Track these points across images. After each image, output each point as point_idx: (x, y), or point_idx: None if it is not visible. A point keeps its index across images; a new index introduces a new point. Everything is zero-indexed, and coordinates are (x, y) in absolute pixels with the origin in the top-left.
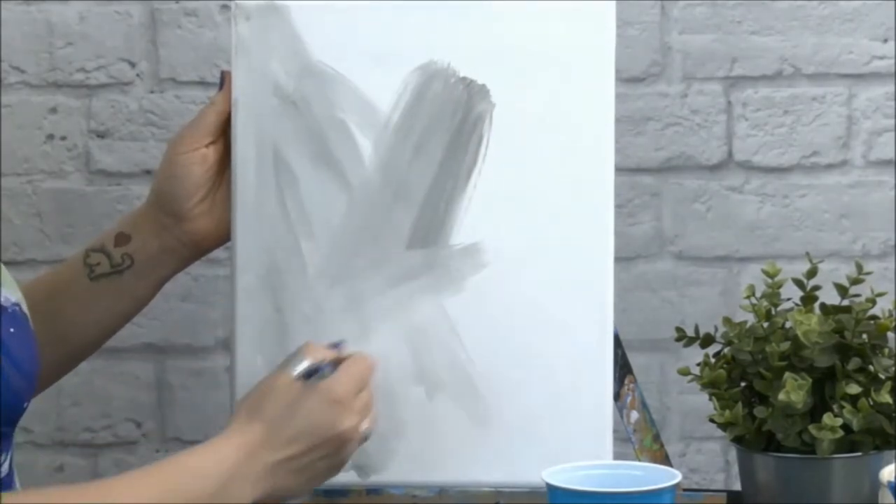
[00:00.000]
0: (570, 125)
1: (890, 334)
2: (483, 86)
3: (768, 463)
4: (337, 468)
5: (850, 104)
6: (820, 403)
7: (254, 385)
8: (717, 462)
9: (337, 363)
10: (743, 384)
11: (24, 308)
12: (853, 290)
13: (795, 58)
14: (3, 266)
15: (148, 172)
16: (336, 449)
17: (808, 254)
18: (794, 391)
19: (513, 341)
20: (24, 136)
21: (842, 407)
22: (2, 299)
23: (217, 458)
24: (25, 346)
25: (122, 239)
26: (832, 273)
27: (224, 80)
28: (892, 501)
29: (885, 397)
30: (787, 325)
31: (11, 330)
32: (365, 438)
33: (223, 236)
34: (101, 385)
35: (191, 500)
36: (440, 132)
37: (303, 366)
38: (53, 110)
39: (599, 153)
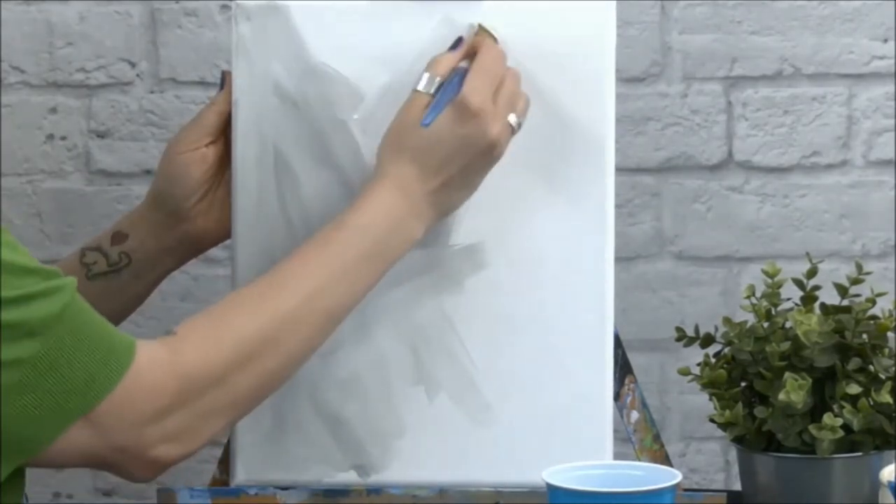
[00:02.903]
0: (570, 125)
1: (890, 334)
2: None
3: (768, 463)
4: (493, 165)
5: (850, 104)
6: (820, 403)
7: (394, 119)
8: (717, 462)
9: (468, 58)
10: (743, 384)
11: None
12: (853, 290)
13: (795, 58)
14: None
15: (148, 172)
16: (488, 156)
17: (808, 254)
18: (794, 391)
19: (513, 341)
20: (24, 136)
21: (842, 407)
22: None
23: (379, 208)
24: None
25: (118, 238)
26: (832, 273)
27: (224, 80)
28: (892, 501)
29: (886, 397)
30: (788, 325)
31: None
32: (516, 128)
33: (222, 235)
34: None
35: (366, 256)
36: None
37: (435, 83)
38: (53, 110)
39: (599, 153)
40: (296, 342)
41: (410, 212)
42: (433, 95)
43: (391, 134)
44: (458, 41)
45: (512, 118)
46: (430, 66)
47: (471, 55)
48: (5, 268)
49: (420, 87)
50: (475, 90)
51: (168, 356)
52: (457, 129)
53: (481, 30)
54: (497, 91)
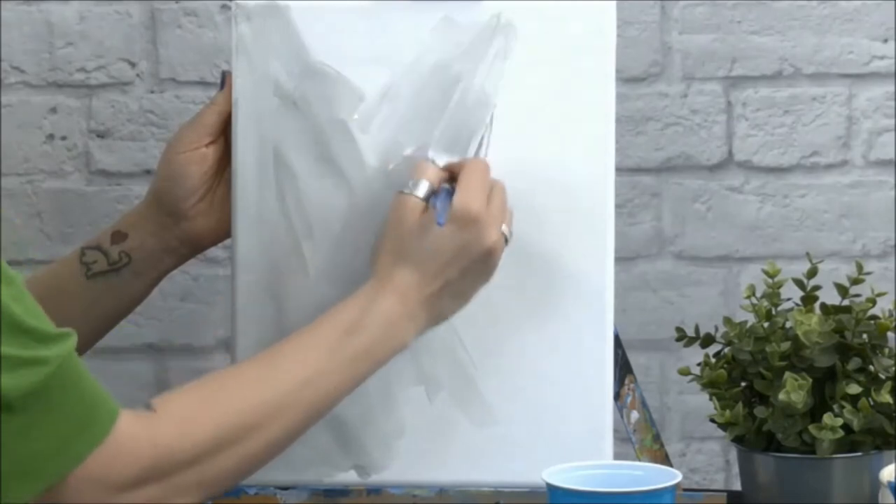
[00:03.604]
0: (570, 125)
1: (890, 334)
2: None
3: (768, 463)
4: (488, 278)
5: (850, 104)
6: (820, 403)
7: (386, 224)
8: (717, 462)
9: (451, 178)
10: (743, 384)
11: None
12: (853, 290)
13: (795, 58)
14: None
15: (148, 172)
16: (485, 265)
17: (808, 254)
18: (794, 391)
19: (513, 341)
20: (24, 136)
21: (842, 407)
22: None
23: (376, 311)
24: None
25: (118, 237)
26: (832, 273)
27: (224, 80)
28: (892, 501)
29: (886, 397)
30: (788, 325)
31: None
32: (507, 240)
33: (221, 235)
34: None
35: (356, 355)
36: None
37: (423, 187)
38: (53, 110)
39: (599, 153)
40: (277, 430)
41: (406, 318)
42: (423, 200)
43: (389, 238)
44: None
45: (504, 227)
46: (417, 172)
47: (454, 172)
48: (4, 320)
49: (406, 190)
50: (472, 197)
51: (145, 432)
52: (457, 235)
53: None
54: (489, 199)
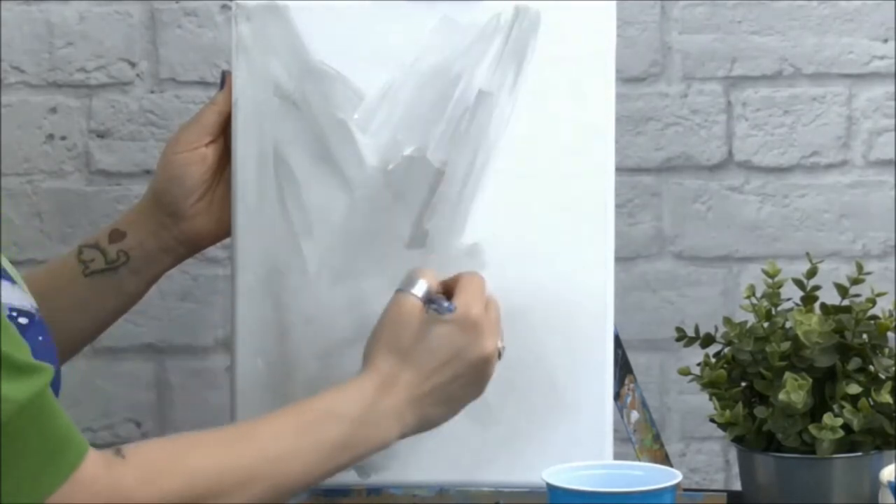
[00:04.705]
0: (570, 125)
1: (890, 334)
2: (482, 87)
3: (768, 463)
4: (480, 391)
5: (850, 104)
6: (820, 403)
7: (382, 318)
8: (717, 462)
9: (447, 287)
10: (743, 384)
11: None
12: (853, 290)
13: (795, 58)
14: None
15: (148, 172)
16: (479, 372)
17: (808, 254)
18: (794, 391)
19: (513, 341)
20: (24, 136)
21: (842, 407)
22: (29, 306)
23: (359, 397)
24: (49, 354)
25: (116, 235)
26: (832, 273)
27: (224, 80)
28: (892, 501)
29: (886, 397)
30: (788, 325)
31: (40, 338)
32: (500, 356)
33: (220, 235)
34: (100, 385)
35: (335, 442)
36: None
37: (422, 288)
38: (53, 110)
39: (599, 153)
40: (241, 500)
41: (393, 414)
42: (422, 301)
43: (385, 336)
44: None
45: (499, 342)
46: (416, 273)
47: (448, 285)
48: None
49: (404, 287)
50: (471, 303)
51: (108, 476)
52: (455, 337)
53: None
54: (486, 310)
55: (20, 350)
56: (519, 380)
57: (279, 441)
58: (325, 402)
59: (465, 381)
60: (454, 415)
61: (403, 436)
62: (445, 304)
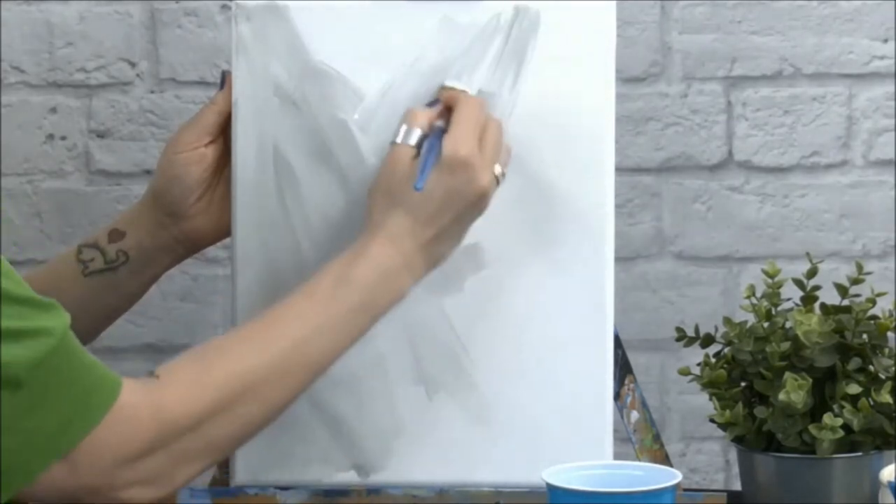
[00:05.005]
0: (570, 125)
1: (890, 334)
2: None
3: (768, 463)
4: (479, 215)
5: (850, 104)
6: (820, 403)
7: (378, 173)
8: (717, 462)
9: (446, 115)
10: (743, 384)
11: None
12: (853, 290)
13: (795, 58)
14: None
15: (148, 172)
16: (479, 204)
17: (808, 254)
18: (794, 391)
19: (512, 341)
20: (24, 136)
21: (842, 407)
22: None
23: (370, 262)
24: None
25: (115, 235)
26: (832, 273)
27: (224, 80)
28: (892, 501)
29: (886, 397)
30: (788, 325)
31: None
32: (501, 179)
33: (220, 235)
34: None
35: (353, 308)
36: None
37: (415, 135)
38: (53, 110)
39: (599, 153)
40: (278, 391)
41: (402, 266)
42: (415, 147)
43: (380, 188)
44: (435, 101)
45: (497, 168)
46: (406, 119)
47: (447, 112)
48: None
49: (399, 140)
50: (460, 141)
51: (148, 399)
52: (447, 182)
53: (447, 88)
54: (481, 141)
55: (30, 291)
56: (519, 380)
57: (301, 325)
58: (334, 274)
59: (466, 216)
60: (460, 242)
61: (418, 281)
62: (424, 151)
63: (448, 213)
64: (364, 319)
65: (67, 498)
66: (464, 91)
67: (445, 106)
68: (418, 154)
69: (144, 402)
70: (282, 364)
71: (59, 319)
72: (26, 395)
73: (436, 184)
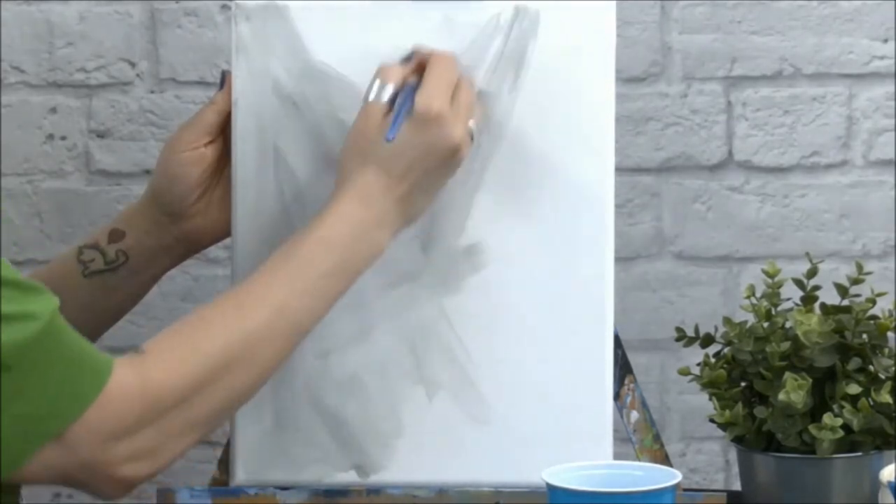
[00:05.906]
0: (570, 125)
1: (890, 334)
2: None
3: (768, 463)
4: (453, 172)
5: (850, 104)
6: (820, 403)
7: (350, 130)
8: (717, 462)
9: (419, 72)
10: (743, 384)
11: None
12: (853, 290)
13: (795, 58)
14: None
15: (148, 172)
16: (451, 161)
17: (808, 254)
18: (794, 391)
19: (512, 341)
20: (24, 136)
21: (842, 407)
22: None
23: (343, 220)
24: None
25: (115, 235)
26: (832, 273)
27: (224, 80)
28: (892, 501)
29: (886, 397)
30: (788, 325)
31: None
32: (475, 134)
33: (219, 235)
34: None
35: (329, 271)
36: None
37: (387, 92)
38: (53, 110)
39: (599, 153)
40: (262, 358)
41: (375, 223)
42: (388, 104)
43: (352, 144)
44: (410, 55)
45: (470, 122)
46: (380, 74)
47: (421, 68)
48: None
49: (372, 96)
50: (432, 96)
51: (135, 376)
52: (419, 136)
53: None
54: (454, 96)
55: (18, 274)
56: (519, 380)
57: (279, 291)
58: (310, 238)
59: (439, 171)
60: (434, 198)
61: (394, 236)
62: (396, 107)
63: (421, 168)
64: (342, 278)
65: (63, 478)
66: (436, 51)
67: (418, 63)
68: (390, 111)
69: (132, 378)
70: (264, 333)
71: (46, 303)
72: (14, 378)
73: (408, 139)
